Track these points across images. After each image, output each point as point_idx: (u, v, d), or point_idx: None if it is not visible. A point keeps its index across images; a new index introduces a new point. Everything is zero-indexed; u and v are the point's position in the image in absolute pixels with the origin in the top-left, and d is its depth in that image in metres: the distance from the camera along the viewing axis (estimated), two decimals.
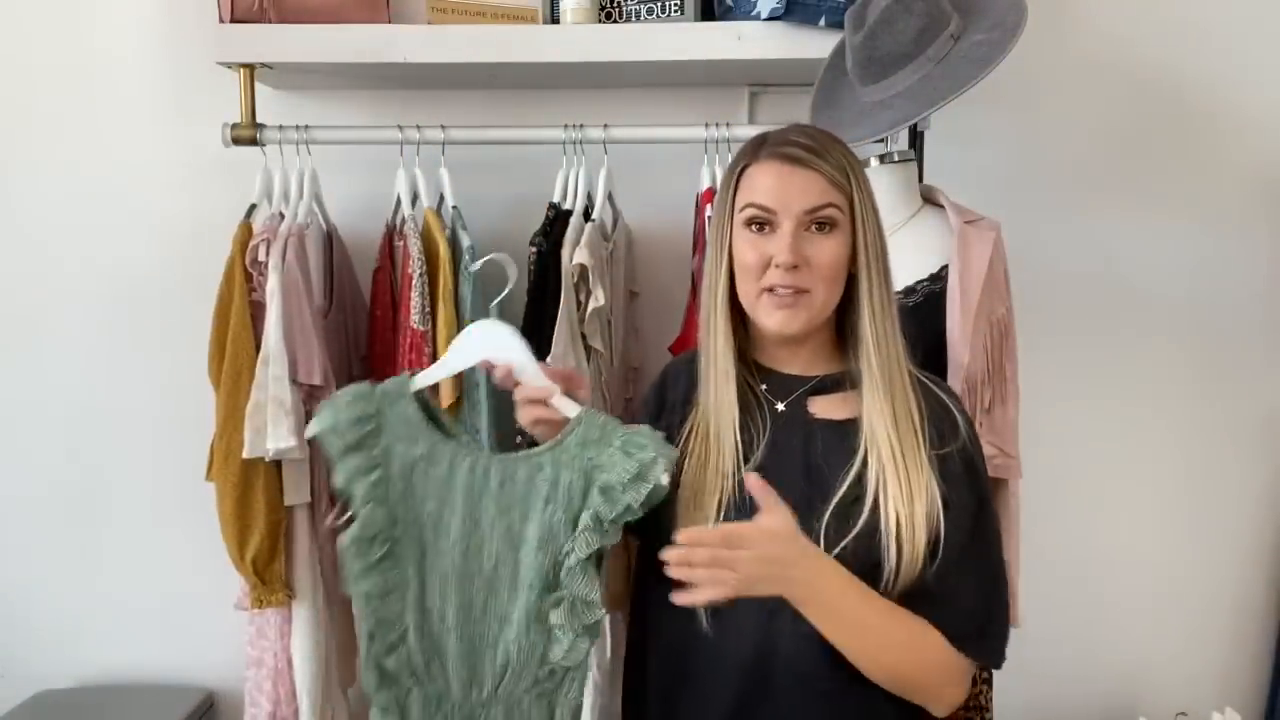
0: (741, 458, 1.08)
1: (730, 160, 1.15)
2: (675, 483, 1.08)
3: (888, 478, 1.03)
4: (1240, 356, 1.95)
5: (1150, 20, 1.86)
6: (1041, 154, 1.90)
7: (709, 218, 1.63)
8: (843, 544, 1.03)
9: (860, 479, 1.05)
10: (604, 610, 1.06)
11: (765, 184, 1.07)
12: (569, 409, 1.09)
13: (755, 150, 1.10)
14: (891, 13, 1.38)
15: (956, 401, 1.13)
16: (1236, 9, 1.85)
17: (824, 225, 1.06)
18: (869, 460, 1.05)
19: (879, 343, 1.07)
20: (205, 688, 2.01)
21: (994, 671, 1.56)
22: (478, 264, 1.54)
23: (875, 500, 1.03)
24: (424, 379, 1.11)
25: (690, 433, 1.13)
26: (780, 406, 1.12)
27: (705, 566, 0.95)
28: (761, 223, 1.07)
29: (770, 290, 1.07)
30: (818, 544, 1.02)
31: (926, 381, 1.12)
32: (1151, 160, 1.90)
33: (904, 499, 1.02)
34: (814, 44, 1.59)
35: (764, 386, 1.14)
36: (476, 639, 1.08)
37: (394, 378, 1.10)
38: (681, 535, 0.96)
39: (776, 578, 0.98)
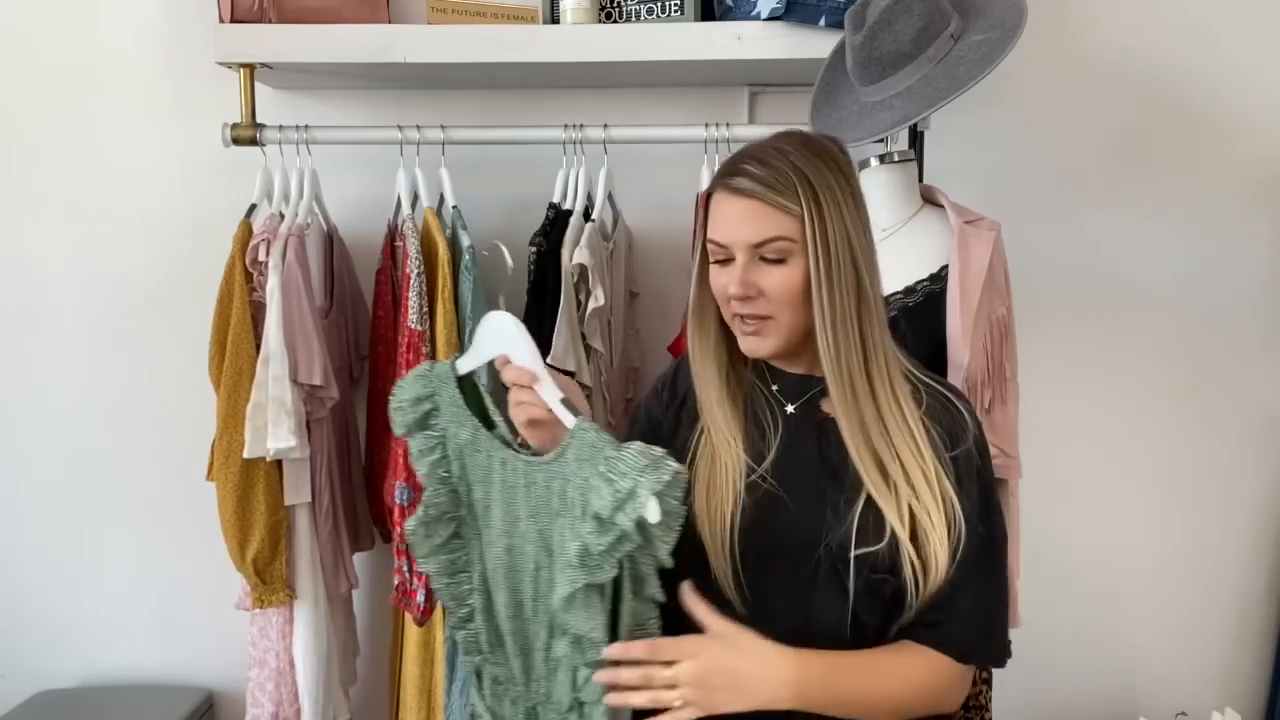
0: (754, 458, 1.09)
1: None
2: (689, 491, 1.05)
3: (875, 482, 1.03)
4: (1240, 356, 1.95)
5: (1150, 20, 1.86)
6: (1041, 154, 1.90)
7: None
8: (854, 533, 1.03)
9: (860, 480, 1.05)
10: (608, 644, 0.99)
11: (719, 219, 1.07)
12: (567, 418, 1.02)
13: (718, 177, 1.09)
14: (891, 13, 1.38)
15: (965, 403, 1.11)
16: (1236, 9, 1.85)
17: (772, 257, 1.04)
18: (858, 464, 1.04)
19: (834, 362, 1.04)
20: (205, 688, 2.01)
21: (994, 671, 1.56)
22: (486, 251, 1.52)
23: (880, 501, 1.03)
24: (463, 364, 1.09)
25: (704, 432, 1.13)
26: (790, 409, 1.12)
27: (639, 685, 0.97)
28: (721, 257, 1.07)
29: (736, 317, 1.08)
30: (851, 541, 1.02)
31: (932, 384, 1.11)
32: (1151, 160, 1.90)
33: (900, 501, 1.02)
34: (814, 44, 1.59)
35: (775, 387, 1.14)
36: (529, 637, 1.07)
37: (445, 359, 1.10)
38: (609, 650, 0.98)
39: (733, 686, 0.97)
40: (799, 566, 1.05)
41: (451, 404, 1.07)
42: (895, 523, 1.02)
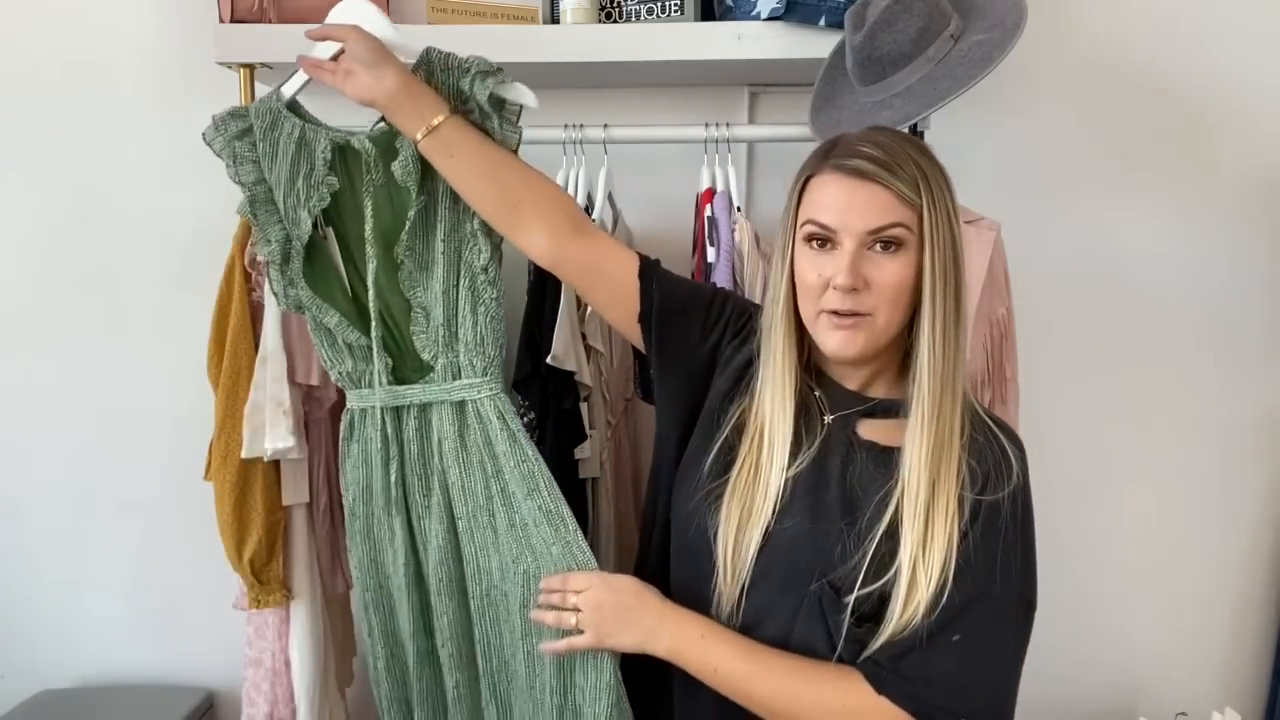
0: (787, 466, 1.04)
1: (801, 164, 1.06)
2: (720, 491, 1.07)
3: (915, 515, 0.97)
4: (1240, 356, 1.95)
5: (1150, 20, 1.86)
6: (1041, 154, 1.89)
7: (709, 218, 1.62)
8: (861, 574, 0.98)
9: (890, 509, 0.99)
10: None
11: (827, 200, 0.99)
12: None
13: (823, 158, 1.01)
14: (891, 13, 1.38)
15: (1019, 451, 1.03)
16: (1236, 9, 1.85)
17: (889, 245, 0.97)
18: (903, 493, 0.98)
19: (935, 373, 0.97)
20: (205, 688, 2.01)
21: None
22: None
23: (895, 534, 0.97)
24: None
25: (744, 435, 1.08)
26: (828, 419, 1.07)
27: (553, 607, 1.13)
28: (822, 239, 1.00)
29: (829, 311, 1.00)
30: (838, 567, 0.98)
31: (991, 424, 1.04)
32: (1152, 160, 1.90)
33: (924, 540, 0.96)
34: (814, 44, 1.59)
35: (818, 394, 1.08)
36: None
37: None
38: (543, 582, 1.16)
39: (626, 624, 1.06)
40: (791, 588, 1.01)
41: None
42: (905, 560, 0.95)
